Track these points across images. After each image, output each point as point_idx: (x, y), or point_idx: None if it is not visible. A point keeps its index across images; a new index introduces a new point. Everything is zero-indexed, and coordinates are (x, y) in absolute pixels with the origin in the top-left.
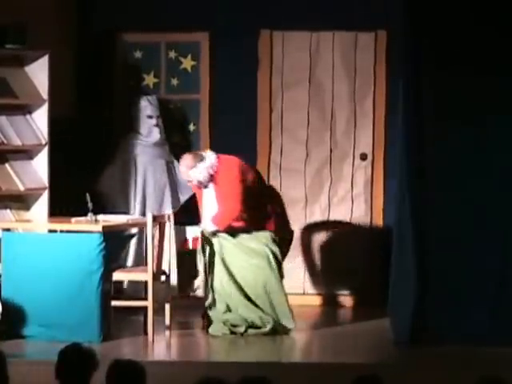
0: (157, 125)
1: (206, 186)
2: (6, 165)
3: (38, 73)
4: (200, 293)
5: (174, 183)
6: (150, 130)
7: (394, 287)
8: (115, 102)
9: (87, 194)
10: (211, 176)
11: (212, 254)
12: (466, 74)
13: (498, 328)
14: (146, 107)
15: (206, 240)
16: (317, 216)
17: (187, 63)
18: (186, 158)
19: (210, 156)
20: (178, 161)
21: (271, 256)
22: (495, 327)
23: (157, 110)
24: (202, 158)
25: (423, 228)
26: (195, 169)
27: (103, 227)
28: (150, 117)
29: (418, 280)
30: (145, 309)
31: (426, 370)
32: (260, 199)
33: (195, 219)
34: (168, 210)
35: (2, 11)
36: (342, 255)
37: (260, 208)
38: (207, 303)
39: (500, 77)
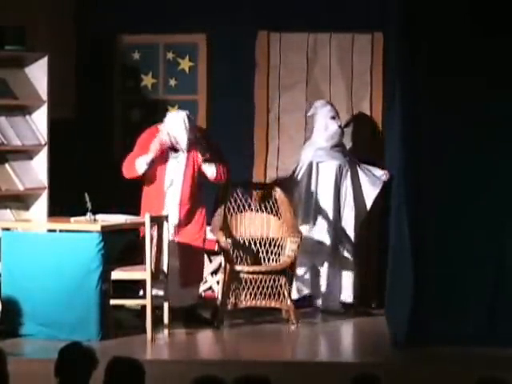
0: (340, 126)
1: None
2: (6, 165)
3: (38, 74)
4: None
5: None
6: (334, 131)
7: (391, 287)
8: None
9: (86, 194)
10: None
11: None
12: (463, 74)
13: (496, 329)
14: (330, 109)
15: None
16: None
17: (185, 64)
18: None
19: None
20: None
21: None
22: (493, 328)
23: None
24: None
25: (420, 228)
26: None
27: (102, 227)
28: (334, 117)
29: (415, 280)
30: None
31: (423, 371)
32: None
33: None
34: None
35: (1, 13)
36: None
37: None
38: None
39: (498, 76)
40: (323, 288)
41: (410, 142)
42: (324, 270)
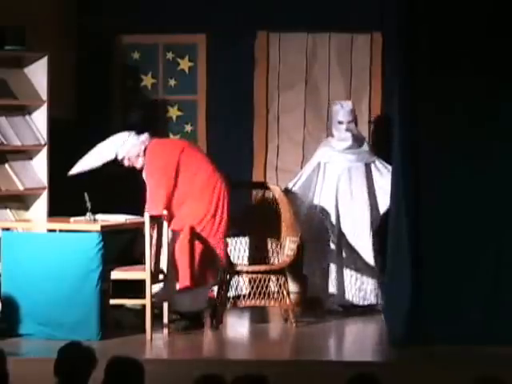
0: (348, 129)
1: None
2: (6, 165)
3: (38, 74)
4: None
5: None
6: (342, 136)
7: (390, 287)
8: None
9: (85, 194)
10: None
11: None
12: (462, 75)
13: (494, 327)
14: (338, 112)
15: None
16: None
17: (184, 64)
18: (118, 135)
19: (144, 135)
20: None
21: None
22: (490, 326)
23: (349, 116)
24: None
25: (418, 228)
26: (126, 143)
27: (101, 227)
28: (341, 122)
29: (414, 280)
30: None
31: (422, 370)
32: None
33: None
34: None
35: (1, 13)
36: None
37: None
38: None
39: (497, 76)
40: (328, 288)
41: (409, 142)
42: (329, 271)
